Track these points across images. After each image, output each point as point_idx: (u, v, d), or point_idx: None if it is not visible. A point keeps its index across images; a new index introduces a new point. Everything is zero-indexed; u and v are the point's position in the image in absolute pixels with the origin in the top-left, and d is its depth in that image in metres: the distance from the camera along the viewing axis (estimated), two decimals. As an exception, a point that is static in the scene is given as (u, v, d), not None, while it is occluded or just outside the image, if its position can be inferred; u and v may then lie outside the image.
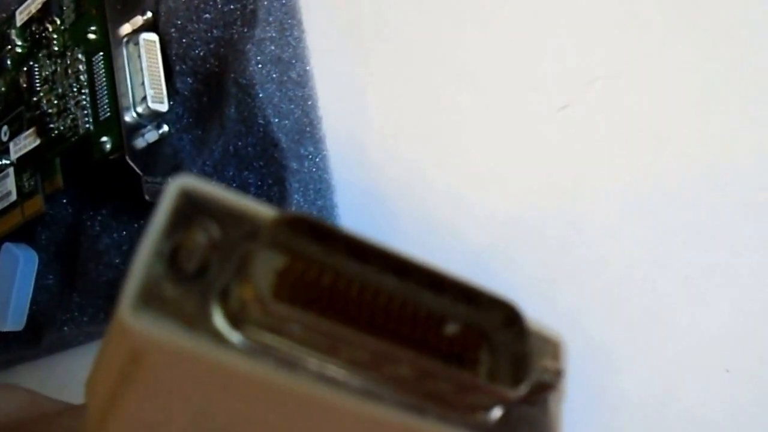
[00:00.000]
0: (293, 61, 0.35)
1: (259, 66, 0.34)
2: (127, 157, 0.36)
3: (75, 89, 0.38)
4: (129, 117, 0.36)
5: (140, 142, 0.36)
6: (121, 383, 0.13)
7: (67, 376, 0.44)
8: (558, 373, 0.14)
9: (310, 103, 0.35)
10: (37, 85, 0.40)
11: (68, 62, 0.39)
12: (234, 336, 0.12)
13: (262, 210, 0.13)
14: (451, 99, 0.33)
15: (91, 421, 0.14)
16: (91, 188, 0.40)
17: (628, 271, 0.29)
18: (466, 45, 0.33)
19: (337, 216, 0.35)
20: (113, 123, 0.37)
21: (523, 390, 0.13)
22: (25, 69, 0.41)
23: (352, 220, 0.35)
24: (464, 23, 0.33)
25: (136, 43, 0.37)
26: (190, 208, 0.12)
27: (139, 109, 0.36)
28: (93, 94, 0.38)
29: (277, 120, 0.34)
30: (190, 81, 0.37)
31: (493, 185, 0.32)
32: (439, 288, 0.13)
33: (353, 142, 0.35)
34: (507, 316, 0.13)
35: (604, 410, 0.28)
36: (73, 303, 0.40)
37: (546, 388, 0.14)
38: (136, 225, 0.38)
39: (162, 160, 0.37)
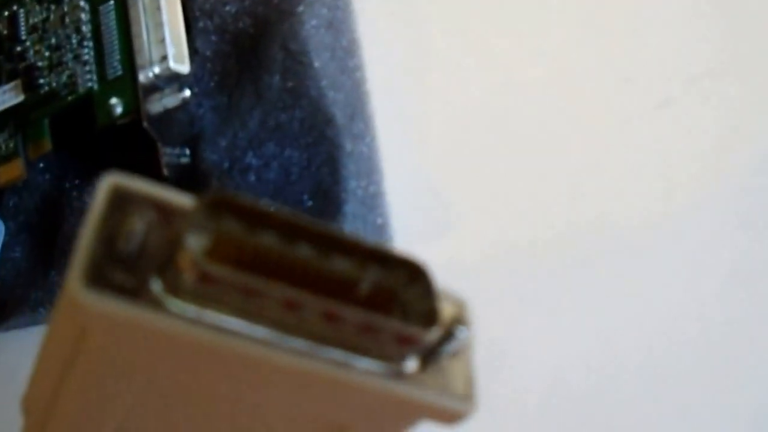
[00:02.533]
0: (342, 26, 0.31)
1: (313, 30, 0.30)
2: (144, 123, 0.31)
3: (74, 41, 0.34)
4: (144, 77, 0.32)
5: (156, 107, 0.32)
6: (68, 364, 0.14)
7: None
8: (464, 325, 0.15)
9: (359, 75, 0.32)
10: (23, 33, 0.35)
11: (65, 9, 0.34)
12: (172, 303, 0.13)
13: (187, 199, 0.14)
14: (534, 90, 0.30)
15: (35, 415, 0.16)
16: (80, 155, 0.35)
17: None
18: (554, 37, 0.30)
19: (385, 205, 0.32)
20: (126, 83, 0.32)
21: (431, 335, 0.14)
22: (6, 14, 0.36)
23: (399, 210, 0.32)
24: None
25: (155, -6, 0.32)
26: (124, 200, 0.14)
27: (157, 69, 0.32)
28: (99, 48, 0.33)
29: (332, 93, 0.30)
30: (215, 40, 0.32)
31: (580, 182, 0.29)
32: (352, 253, 0.14)
33: (401, 122, 0.32)
34: (413, 273, 0.14)
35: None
36: (52, 282, 0.35)
37: (454, 338, 0.15)
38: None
39: (177, 129, 0.33)
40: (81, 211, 0.35)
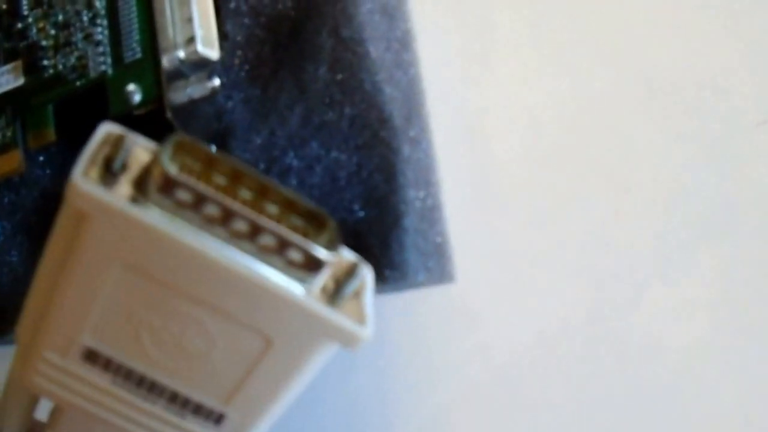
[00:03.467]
0: (397, 14, 0.28)
1: (368, 15, 0.26)
2: (168, 114, 0.27)
3: (85, 19, 0.29)
4: (168, 62, 0.28)
5: (180, 96, 0.28)
6: (68, 247, 0.18)
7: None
8: (357, 265, 0.19)
9: (414, 71, 0.28)
10: (25, 8, 0.31)
11: (75, -18, 0.30)
12: (145, 203, 0.17)
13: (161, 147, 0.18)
14: (611, 94, 0.26)
15: (32, 311, 0.20)
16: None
17: None
18: (638, 37, 0.26)
19: (444, 221, 0.28)
20: (147, 68, 0.28)
21: (325, 253, 0.18)
22: (5, -15, 0.31)
23: (456, 222, 0.28)
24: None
25: (183, -34, 0.28)
26: (114, 139, 0.18)
27: (182, 54, 0.28)
28: (114, 27, 0.29)
29: (388, 89, 0.26)
30: (248, 23, 0.28)
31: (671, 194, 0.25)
32: (280, 203, 0.18)
33: (458, 126, 0.28)
34: (323, 222, 0.18)
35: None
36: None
37: (355, 276, 0.18)
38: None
39: (203, 123, 0.28)
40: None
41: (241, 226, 0.17)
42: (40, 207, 0.33)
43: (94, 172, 0.17)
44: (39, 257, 0.31)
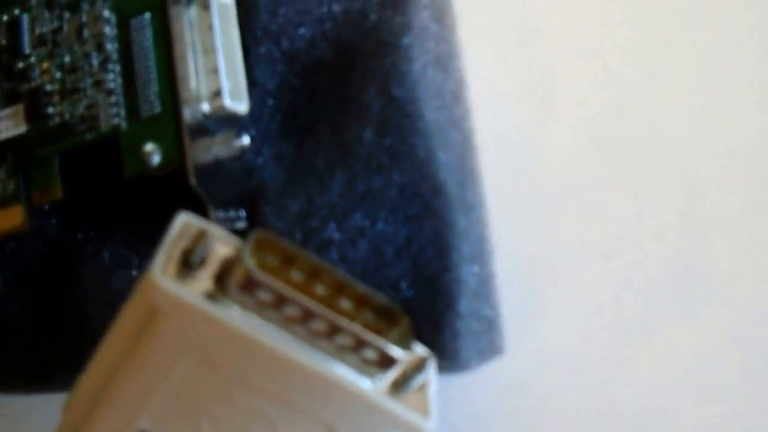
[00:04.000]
0: (449, 64, 0.24)
1: (421, 71, 0.22)
2: (192, 181, 0.23)
3: (95, 63, 0.26)
4: (190, 117, 0.24)
5: (205, 157, 0.24)
6: (136, 336, 0.18)
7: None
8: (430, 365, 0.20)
9: (467, 126, 0.24)
10: (27, 45, 0.27)
11: (83, 19, 0.26)
12: (223, 299, 0.18)
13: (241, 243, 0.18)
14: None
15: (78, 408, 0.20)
16: (98, 202, 0.28)
17: None
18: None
19: (496, 290, 0.25)
20: (167, 124, 0.24)
21: (404, 358, 0.18)
22: (5, 18, 0.28)
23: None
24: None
25: (206, 6, 0.25)
26: (192, 231, 0.18)
27: (207, 107, 0.24)
28: (129, 75, 0.25)
29: (442, 154, 0.22)
30: (281, 70, 0.25)
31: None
32: (355, 298, 0.19)
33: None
34: (397, 318, 0.18)
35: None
36: (58, 356, 0.28)
37: (423, 371, 0.19)
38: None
39: (230, 184, 0.25)
40: (99, 271, 0.27)
41: (319, 325, 0.18)
42: (45, 258, 0.29)
43: (172, 267, 0.18)
44: (42, 313, 0.28)
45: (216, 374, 0.18)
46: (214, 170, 0.25)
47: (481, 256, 0.24)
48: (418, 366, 0.19)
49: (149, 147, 0.24)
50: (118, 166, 0.25)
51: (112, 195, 0.27)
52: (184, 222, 0.19)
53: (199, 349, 0.18)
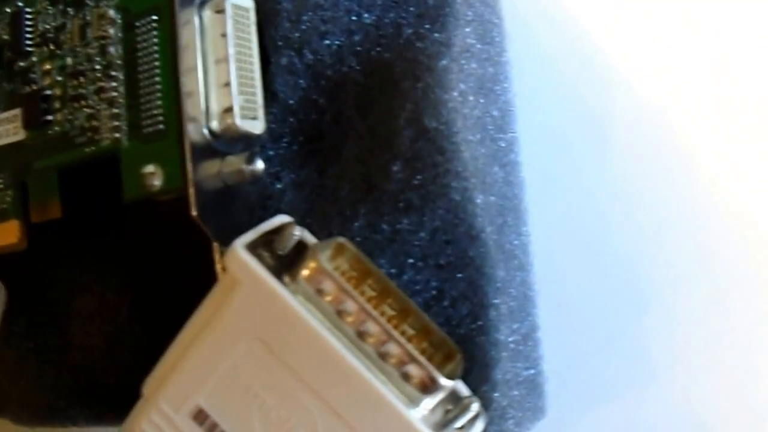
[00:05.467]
0: (496, 89, 0.20)
1: (461, 99, 0.19)
2: (193, 212, 0.20)
3: (97, 67, 0.23)
4: (196, 136, 0.21)
5: (211, 183, 0.21)
6: (217, 309, 0.19)
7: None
8: (473, 402, 0.19)
9: (513, 157, 0.21)
10: (29, 42, 0.24)
11: (87, 17, 0.23)
12: (291, 285, 0.18)
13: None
14: None
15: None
16: (95, 225, 0.25)
17: None
18: None
19: (538, 345, 0.21)
20: (170, 145, 0.21)
21: (443, 379, 0.18)
22: (7, 10, 0.25)
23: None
24: None
25: (220, 10, 0.21)
26: (289, 228, 0.19)
27: (216, 125, 0.21)
28: (132, 83, 0.22)
29: (481, 197, 0.19)
30: (304, 85, 0.22)
31: None
32: (419, 329, 0.19)
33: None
34: (452, 355, 0.19)
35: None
36: (39, 387, 0.26)
37: (468, 410, 0.19)
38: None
39: (240, 211, 0.22)
40: (92, 311, 0.24)
41: (372, 329, 0.18)
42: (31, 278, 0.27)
43: (256, 247, 0.19)
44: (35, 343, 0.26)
45: (272, 359, 0.19)
46: (224, 197, 0.22)
47: (523, 309, 0.21)
48: (463, 407, 0.19)
49: (150, 168, 0.22)
50: (118, 188, 0.22)
51: (110, 218, 0.24)
52: (280, 221, 0.20)
53: (263, 329, 0.19)
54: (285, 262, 0.19)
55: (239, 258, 0.18)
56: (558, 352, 0.24)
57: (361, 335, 0.18)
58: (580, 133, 0.23)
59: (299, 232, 0.19)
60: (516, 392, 0.21)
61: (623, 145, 0.24)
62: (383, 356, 0.18)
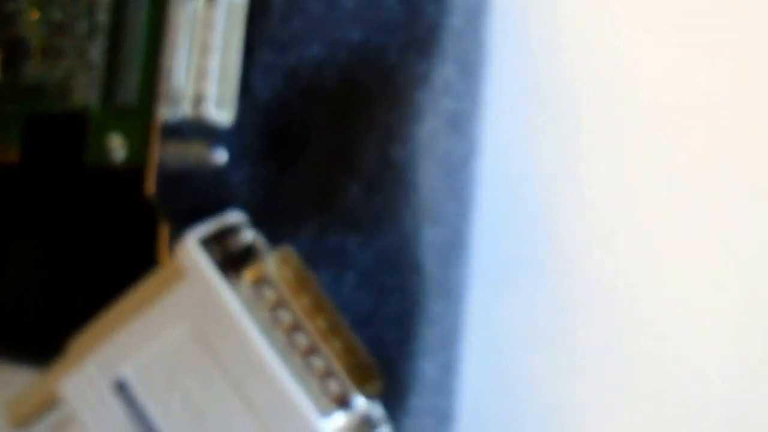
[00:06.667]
0: (467, 125, 0.21)
1: (431, 133, 0.20)
2: (149, 191, 0.21)
3: (82, 28, 0.23)
4: (168, 116, 0.22)
5: (172, 162, 0.22)
6: (160, 290, 0.20)
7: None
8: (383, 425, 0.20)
9: (467, 193, 0.22)
10: (19, -15, 0.25)
11: (83, -24, 0.24)
12: (234, 285, 0.19)
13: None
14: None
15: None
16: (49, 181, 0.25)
17: None
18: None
19: (456, 382, 0.22)
20: (140, 120, 0.22)
21: (362, 400, 0.19)
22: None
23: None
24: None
25: (213, 1, 0.22)
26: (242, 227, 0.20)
27: (188, 110, 0.22)
28: (115, 52, 0.23)
29: (429, 231, 0.20)
30: (280, 85, 0.22)
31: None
32: (346, 347, 0.20)
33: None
34: (372, 376, 0.20)
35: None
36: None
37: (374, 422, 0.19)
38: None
39: (194, 196, 0.22)
40: (32, 258, 0.25)
41: (302, 340, 0.19)
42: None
43: (207, 241, 0.19)
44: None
45: (203, 349, 0.20)
46: (181, 180, 0.22)
47: (449, 342, 0.22)
48: (370, 427, 0.20)
49: (116, 139, 0.22)
50: (79, 148, 0.23)
51: (66, 177, 0.24)
52: (235, 218, 0.20)
53: (199, 319, 0.19)
54: (232, 260, 0.20)
55: (190, 251, 0.19)
56: (479, 388, 0.24)
57: (291, 344, 0.19)
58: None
59: (251, 235, 0.20)
60: (428, 420, 0.22)
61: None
62: (307, 367, 0.19)
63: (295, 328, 0.19)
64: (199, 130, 0.22)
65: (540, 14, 0.25)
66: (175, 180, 0.22)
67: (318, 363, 0.19)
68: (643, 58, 0.25)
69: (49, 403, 0.22)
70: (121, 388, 0.21)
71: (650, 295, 0.25)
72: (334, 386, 0.19)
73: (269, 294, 0.19)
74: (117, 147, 0.22)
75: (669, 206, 0.25)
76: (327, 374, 0.19)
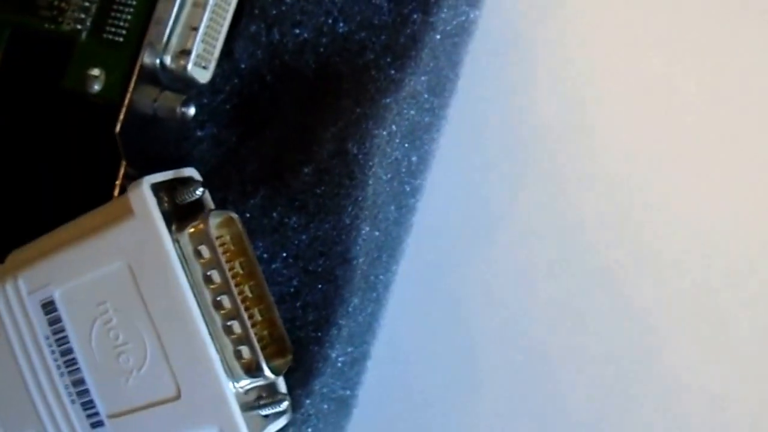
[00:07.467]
0: (423, 137, 0.23)
1: (388, 138, 0.21)
2: (117, 128, 0.22)
3: (88, -41, 0.24)
4: (148, 60, 0.23)
5: (144, 107, 0.23)
6: (104, 223, 0.21)
7: None
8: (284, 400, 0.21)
9: (408, 201, 0.23)
10: None
11: None
12: (176, 235, 0.20)
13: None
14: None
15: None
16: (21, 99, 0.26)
17: None
18: None
19: (362, 372, 0.24)
20: (122, 59, 0.23)
21: (268, 371, 0.20)
22: None
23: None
24: None
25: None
26: (197, 186, 0.21)
27: (170, 62, 0.23)
28: (110, -9, 0.23)
29: (367, 229, 0.21)
30: (260, 57, 0.23)
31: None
32: (267, 319, 0.21)
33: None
34: (286, 351, 0.21)
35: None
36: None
37: (277, 404, 0.20)
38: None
39: (156, 142, 0.24)
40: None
41: (226, 303, 0.20)
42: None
43: (159, 189, 0.20)
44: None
45: (133, 288, 0.20)
46: (147, 125, 0.23)
47: (362, 337, 0.23)
48: (275, 401, 0.20)
49: (96, 71, 0.23)
50: (58, 71, 0.24)
51: (38, 97, 0.25)
52: (190, 174, 0.21)
53: (136, 259, 0.20)
54: (178, 212, 0.20)
55: (142, 195, 0.20)
56: (380, 382, 0.25)
57: (216, 304, 0.20)
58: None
59: (201, 192, 0.20)
60: (326, 406, 0.23)
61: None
62: (226, 329, 0.20)
63: (223, 290, 0.20)
64: (175, 82, 0.23)
65: (518, 48, 0.26)
66: (142, 124, 0.23)
67: (237, 328, 0.20)
68: (609, 98, 0.26)
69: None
70: (48, 308, 0.21)
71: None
72: (246, 353, 0.20)
73: (206, 252, 0.20)
74: (95, 79, 0.23)
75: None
76: (243, 340, 0.20)
